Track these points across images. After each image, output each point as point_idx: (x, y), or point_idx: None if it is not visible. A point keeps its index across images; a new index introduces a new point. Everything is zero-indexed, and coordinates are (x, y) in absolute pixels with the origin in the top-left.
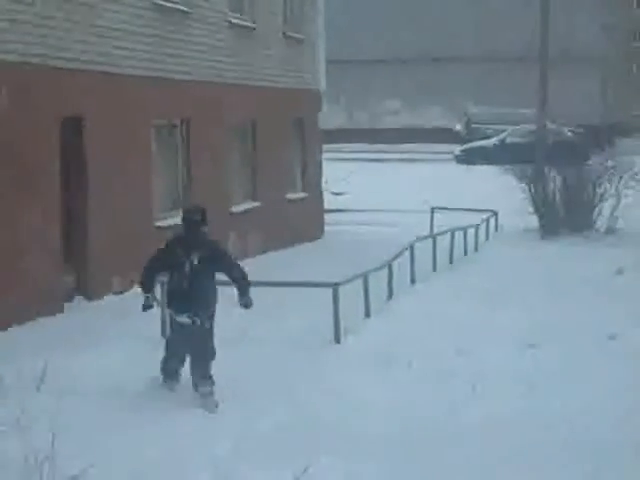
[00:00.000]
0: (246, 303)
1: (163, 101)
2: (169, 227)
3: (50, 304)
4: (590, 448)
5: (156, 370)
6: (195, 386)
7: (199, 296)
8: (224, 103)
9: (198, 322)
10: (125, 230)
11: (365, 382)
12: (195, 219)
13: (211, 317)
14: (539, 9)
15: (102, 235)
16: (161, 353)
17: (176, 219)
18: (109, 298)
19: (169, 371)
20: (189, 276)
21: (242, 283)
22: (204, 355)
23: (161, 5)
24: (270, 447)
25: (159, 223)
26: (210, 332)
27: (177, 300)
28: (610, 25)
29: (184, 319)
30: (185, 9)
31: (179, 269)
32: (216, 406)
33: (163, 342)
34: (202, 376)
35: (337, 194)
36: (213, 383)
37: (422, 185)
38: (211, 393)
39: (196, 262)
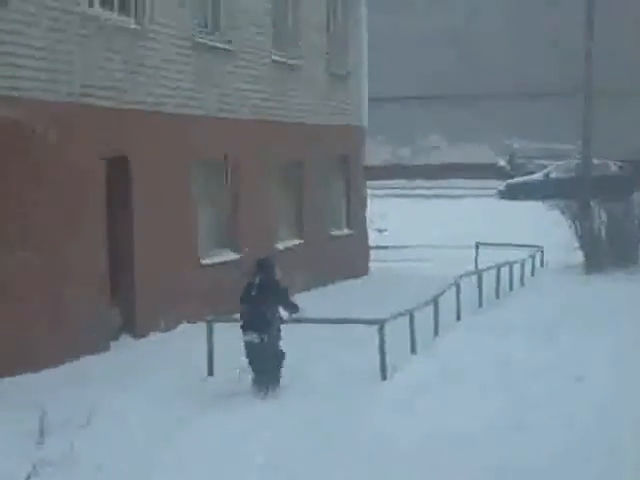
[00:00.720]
0: (291, 312)
1: (209, 140)
2: (214, 265)
3: (97, 342)
4: None
5: (203, 406)
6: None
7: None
8: (269, 141)
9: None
10: (171, 268)
11: (410, 417)
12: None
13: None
14: (582, 40)
15: (149, 273)
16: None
17: (221, 257)
18: (155, 336)
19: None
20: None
21: (288, 305)
22: (265, 364)
23: (204, 44)
24: None
25: (205, 261)
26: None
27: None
28: None
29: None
30: (228, 47)
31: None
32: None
33: (207, 379)
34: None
35: (381, 231)
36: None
37: (466, 221)
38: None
39: (254, 293)
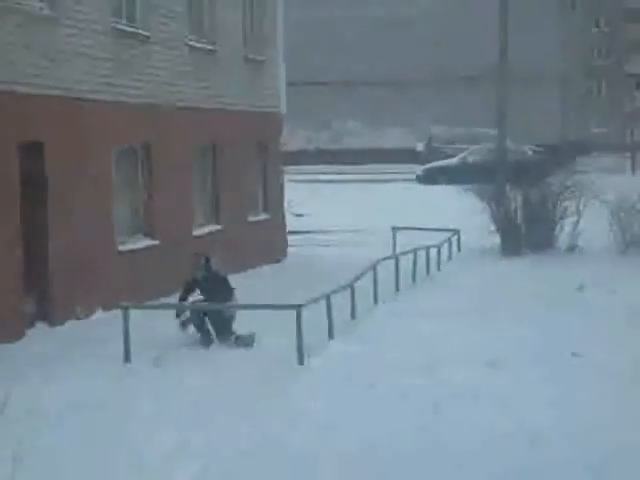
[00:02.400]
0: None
1: (123, 125)
2: (131, 251)
3: (11, 330)
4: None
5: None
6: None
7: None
8: (185, 126)
9: None
10: (87, 255)
11: (328, 404)
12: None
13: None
14: (498, 28)
15: (64, 260)
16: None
17: (139, 244)
18: (72, 323)
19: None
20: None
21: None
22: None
23: (121, 29)
24: (234, 472)
25: (122, 248)
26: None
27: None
28: (569, 44)
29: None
30: (145, 33)
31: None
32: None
33: (126, 368)
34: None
35: (299, 215)
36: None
37: (384, 205)
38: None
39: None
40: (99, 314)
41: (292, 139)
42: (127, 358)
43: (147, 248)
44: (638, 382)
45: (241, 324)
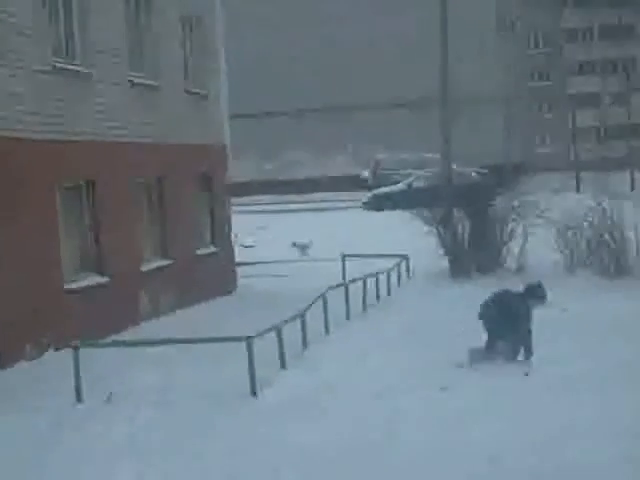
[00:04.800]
0: None
1: (67, 163)
2: (79, 289)
3: None
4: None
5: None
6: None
7: None
8: (129, 162)
9: None
10: (35, 295)
11: (282, 433)
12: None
13: None
14: (438, 52)
15: (10, 300)
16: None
17: (87, 281)
18: (22, 364)
19: None
20: None
21: None
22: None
23: (61, 68)
24: None
25: (69, 286)
26: None
27: None
28: (509, 65)
29: None
30: (85, 70)
31: None
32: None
33: (77, 406)
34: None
35: (248, 247)
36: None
37: (333, 233)
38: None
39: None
40: (50, 354)
41: (239, 170)
42: (79, 397)
43: (96, 285)
44: (593, 393)
45: (192, 359)
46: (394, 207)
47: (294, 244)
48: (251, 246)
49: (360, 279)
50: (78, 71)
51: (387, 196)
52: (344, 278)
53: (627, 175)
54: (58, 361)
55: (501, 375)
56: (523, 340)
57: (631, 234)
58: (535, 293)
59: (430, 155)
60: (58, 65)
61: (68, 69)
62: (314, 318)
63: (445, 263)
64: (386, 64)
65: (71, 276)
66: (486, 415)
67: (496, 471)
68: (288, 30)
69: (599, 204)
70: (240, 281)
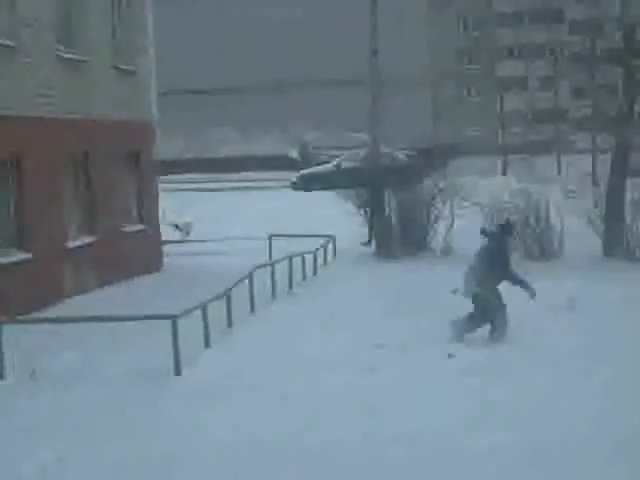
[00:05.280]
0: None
1: None
2: (3, 266)
3: None
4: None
5: None
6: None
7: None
8: (55, 138)
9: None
10: None
11: (205, 412)
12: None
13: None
14: (368, 33)
15: None
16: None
17: (10, 257)
18: None
19: None
20: None
21: None
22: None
23: None
24: None
25: None
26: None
27: None
28: (438, 47)
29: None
30: (11, 44)
31: None
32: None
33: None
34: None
35: (176, 226)
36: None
37: (260, 213)
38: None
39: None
40: None
41: (166, 148)
42: (1, 374)
43: (19, 261)
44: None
45: (115, 337)
46: (322, 187)
47: (176, 226)
48: (179, 227)
49: (286, 259)
50: (3, 44)
51: (316, 176)
52: (270, 257)
53: (554, 159)
54: None
55: (422, 357)
56: (514, 278)
57: (556, 217)
58: (508, 229)
59: (358, 135)
60: None
61: None
62: (240, 297)
63: (372, 244)
64: (318, 42)
65: None
66: (407, 397)
67: (415, 454)
68: (219, 5)
69: (524, 187)
70: (166, 259)
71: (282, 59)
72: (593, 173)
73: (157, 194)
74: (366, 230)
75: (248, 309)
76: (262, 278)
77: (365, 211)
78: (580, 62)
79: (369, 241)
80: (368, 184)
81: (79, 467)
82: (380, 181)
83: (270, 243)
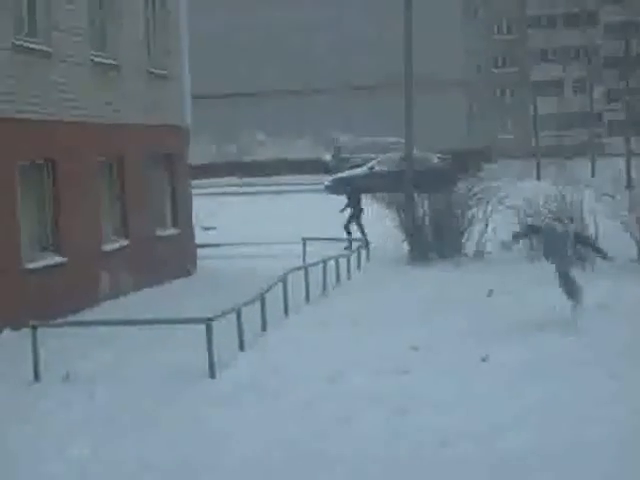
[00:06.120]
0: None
1: (27, 142)
2: (39, 269)
3: None
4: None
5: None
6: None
7: None
8: (90, 142)
9: None
10: None
11: (239, 415)
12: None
13: None
14: (402, 35)
15: None
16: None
17: (46, 261)
18: None
19: None
20: None
21: None
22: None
23: (21, 45)
24: None
25: (29, 265)
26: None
27: None
28: (472, 51)
29: None
30: (46, 49)
31: None
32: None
33: (35, 386)
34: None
35: (208, 229)
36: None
37: (294, 216)
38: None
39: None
40: (7, 333)
41: (200, 152)
42: (36, 376)
43: (55, 265)
44: (537, 379)
45: (152, 340)
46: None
47: (205, 228)
48: (211, 228)
49: (320, 262)
50: (38, 49)
51: (349, 180)
52: (304, 261)
53: (588, 162)
54: (16, 341)
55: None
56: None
57: (590, 221)
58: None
59: (392, 139)
60: (18, 42)
61: (28, 47)
62: (274, 300)
63: (406, 248)
64: (352, 45)
65: (31, 255)
66: (440, 401)
67: (449, 456)
68: (251, 8)
69: (559, 191)
70: (200, 262)
71: (315, 62)
72: (628, 176)
73: (190, 197)
74: (400, 234)
75: (282, 312)
76: (296, 282)
77: (399, 215)
78: (614, 65)
79: (349, 246)
80: (402, 188)
81: (109, 467)
82: (414, 184)
83: (304, 246)
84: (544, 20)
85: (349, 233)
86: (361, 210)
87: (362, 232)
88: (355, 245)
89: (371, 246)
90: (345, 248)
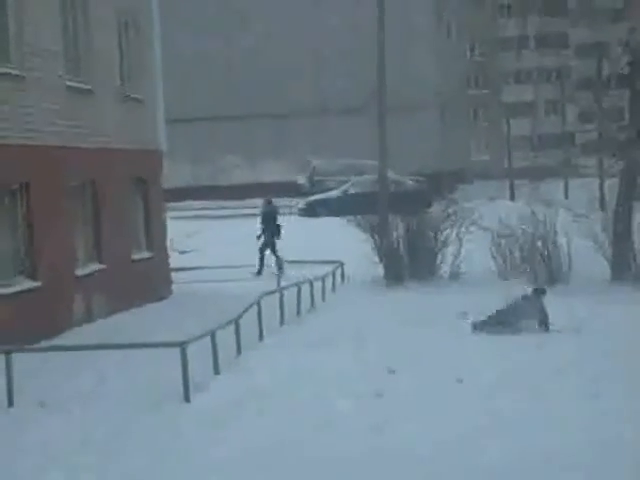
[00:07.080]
0: None
1: (0, 167)
2: (12, 295)
3: None
4: None
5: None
6: None
7: None
8: (63, 166)
9: None
10: None
11: (214, 438)
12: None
13: None
14: (375, 58)
15: None
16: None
17: (19, 286)
18: None
19: None
20: None
21: None
22: None
23: None
24: None
25: (3, 290)
26: None
27: None
28: (445, 72)
29: None
30: (19, 73)
31: None
32: None
33: (9, 411)
34: None
35: (183, 252)
36: None
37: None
38: None
39: None
40: None
41: (176, 175)
42: (10, 402)
43: (29, 290)
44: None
45: (125, 364)
46: (330, 214)
47: (181, 252)
48: (186, 251)
49: (294, 285)
50: (11, 74)
51: (323, 202)
52: (279, 284)
53: (561, 183)
54: None
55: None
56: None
57: (563, 241)
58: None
59: (366, 161)
60: None
61: (1, 72)
62: (248, 323)
63: (380, 270)
64: (326, 69)
65: (3, 280)
66: (414, 421)
67: (429, 473)
68: (226, 33)
69: (532, 212)
70: (175, 287)
71: (289, 86)
72: (601, 197)
73: (165, 221)
74: (374, 256)
75: (257, 335)
76: (270, 305)
77: (373, 237)
78: (587, 86)
79: (259, 271)
80: (376, 210)
81: None
82: (388, 207)
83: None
84: (515, 41)
85: (262, 258)
86: (276, 234)
87: (276, 256)
88: (331, 268)
89: (346, 269)
90: (257, 273)
